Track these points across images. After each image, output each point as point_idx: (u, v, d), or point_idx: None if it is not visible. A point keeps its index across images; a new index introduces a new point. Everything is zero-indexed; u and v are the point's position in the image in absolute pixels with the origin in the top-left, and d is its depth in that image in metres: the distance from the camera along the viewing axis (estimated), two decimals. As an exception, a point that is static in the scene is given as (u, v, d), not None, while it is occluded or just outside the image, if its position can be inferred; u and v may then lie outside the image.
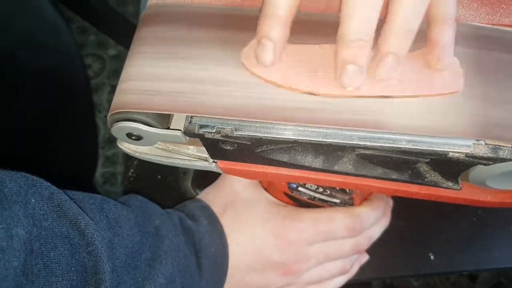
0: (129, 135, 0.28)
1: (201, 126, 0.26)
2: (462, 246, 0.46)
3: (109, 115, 0.27)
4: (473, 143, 0.24)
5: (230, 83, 0.26)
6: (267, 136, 0.25)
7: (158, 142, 0.31)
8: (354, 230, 0.37)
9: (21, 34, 0.49)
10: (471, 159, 0.24)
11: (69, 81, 0.59)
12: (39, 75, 0.52)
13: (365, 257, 0.42)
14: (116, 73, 1.19)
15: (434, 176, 0.28)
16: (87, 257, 0.25)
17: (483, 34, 0.27)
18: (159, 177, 0.50)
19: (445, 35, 0.24)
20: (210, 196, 0.38)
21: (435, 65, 0.25)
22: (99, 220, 0.28)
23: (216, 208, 0.37)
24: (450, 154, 0.24)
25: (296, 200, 0.39)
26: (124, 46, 1.00)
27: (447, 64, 0.25)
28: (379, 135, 0.25)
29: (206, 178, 0.41)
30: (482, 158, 0.24)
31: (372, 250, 0.40)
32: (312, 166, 0.29)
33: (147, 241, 0.30)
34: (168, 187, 0.50)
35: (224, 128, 0.25)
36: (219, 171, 0.32)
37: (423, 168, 0.28)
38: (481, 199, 0.30)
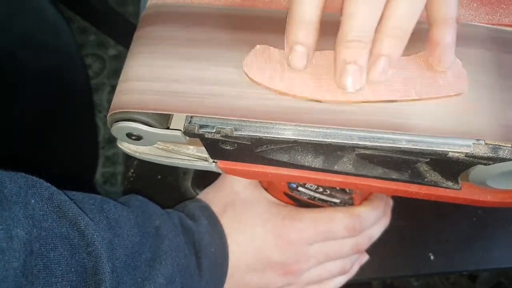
0: (129, 135, 0.28)
1: (201, 126, 0.26)
2: (462, 246, 0.46)
3: (109, 115, 0.27)
4: (473, 143, 0.24)
5: (230, 83, 0.26)
6: (267, 136, 0.25)
7: (158, 142, 0.31)
8: (354, 230, 0.37)
9: (21, 34, 0.49)
10: (471, 159, 0.24)
11: (69, 81, 0.59)
12: (39, 75, 0.52)
13: (365, 257, 0.42)
14: (116, 73, 1.19)
15: (434, 176, 0.28)
16: (87, 258, 0.25)
17: (483, 34, 0.27)
18: (159, 177, 0.50)
19: (446, 36, 0.24)
20: (210, 196, 0.38)
21: (436, 66, 0.25)
22: (99, 221, 0.28)
23: (216, 208, 0.37)
24: (450, 154, 0.24)
25: (296, 200, 0.39)
26: (124, 46, 1.00)
27: (448, 65, 0.25)
28: (379, 135, 0.25)
29: (206, 178, 0.41)
30: (482, 158, 0.24)
31: (372, 250, 0.40)
32: (312, 166, 0.29)
33: (147, 241, 0.30)
34: (168, 187, 0.50)
35: (224, 128, 0.25)
36: (219, 171, 0.32)
37: (423, 168, 0.28)
38: (481, 199, 0.30)
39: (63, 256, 0.24)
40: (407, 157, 0.25)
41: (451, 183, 0.28)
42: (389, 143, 0.24)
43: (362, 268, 0.42)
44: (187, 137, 0.27)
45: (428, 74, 0.25)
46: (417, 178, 0.28)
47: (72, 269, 0.25)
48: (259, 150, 0.27)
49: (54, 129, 0.57)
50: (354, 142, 0.25)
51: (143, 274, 0.29)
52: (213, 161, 0.31)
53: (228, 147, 0.27)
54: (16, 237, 0.22)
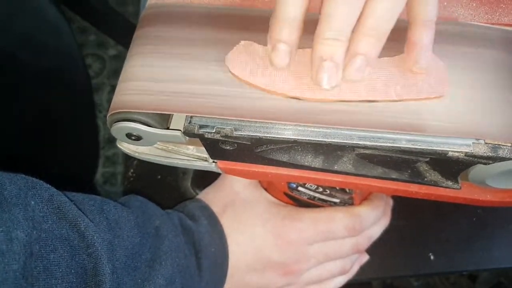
0: (129, 135, 0.28)
1: (201, 126, 0.26)
2: (462, 246, 0.46)
3: (108, 115, 0.27)
4: (473, 142, 0.24)
5: (230, 83, 0.26)
6: (267, 136, 0.25)
7: (158, 142, 0.31)
8: (354, 230, 0.37)
9: (21, 34, 0.49)
10: (471, 158, 0.24)
11: (70, 82, 0.59)
12: (40, 75, 0.52)
13: (365, 257, 0.42)
14: (116, 73, 1.19)
15: (434, 176, 0.28)
16: (87, 259, 0.25)
17: (482, 34, 0.27)
18: (159, 177, 0.50)
19: (423, 37, 0.24)
20: (210, 196, 0.38)
21: (412, 66, 0.25)
22: (99, 222, 0.28)
23: (216, 208, 0.37)
24: (450, 154, 0.24)
25: (296, 200, 0.39)
26: (124, 46, 1.00)
27: (424, 66, 0.25)
28: (379, 134, 0.25)
29: (206, 178, 0.41)
30: (481, 157, 0.24)
31: (372, 250, 0.40)
32: (312, 166, 0.29)
33: (147, 242, 0.30)
34: (168, 187, 0.50)
35: (224, 128, 0.25)
36: (219, 171, 0.32)
37: (423, 167, 0.28)
38: (481, 198, 0.30)
39: (63, 258, 0.24)
40: (407, 156, 0.25)
41: (451, 183, 0.28)
42: (389, 142, 0.24)
43: (362, 268, 0.42)
44: (187, 137, 0.27)
45: (410, 75, 0.25)
46: (417, 177, 0.28)
47: (72, 271, 0.24)
48: (259, 150, 0.27)
49: (54, 129, 0.57)
50: (354, 142, 0.25)
51: (143, 275, 0.29)
52: (213, 161, 0.31)
53: (228, 147, 0.27)
54: (16, 239, 0.22)
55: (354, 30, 0.24)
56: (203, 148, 0.29)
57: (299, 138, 0.25)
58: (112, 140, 1.09)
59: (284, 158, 0.29)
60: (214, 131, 0.25)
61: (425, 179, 0.28)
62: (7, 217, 0.23)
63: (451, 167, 0.26)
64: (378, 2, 0.23)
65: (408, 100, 0.25)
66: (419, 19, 0.24)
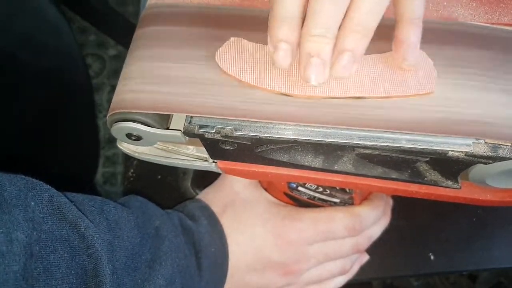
0: (129, 136, 0.28)
1: (201, 126, 0.26)
2: (462, 246, 0.45)
3: (108, 115, 0.27)
4: (473, 142, 0.24)
5: (229, 83, 0.26)
6: (267, 136, 0.25)
7: (158, 143, 0.31)
8: (354, 230, 0.37)
9: (21, 35, 0.49)
10: (471, 158, 0.24)
11: (70, 82, 0.59)
12: (40, 75, 0.52)
13: (365, 257, 0.42)
14: (116, 73, 1.19)
15: (434, 175, 0.28)
16: (87, 260, 0.25)
17: (482, 33, 0.27)
18: (159, 177, 0.50)
19: (411, 35, 0.25)
20: (210, 196, 0.38)
21: (400, 63, 0.25)
22: (99, 222, 0.28)
23: (216, 208, 0.37)
24: (450, 153, 0.24)
25: (296, 200, 0.39)
26: (124, 46, 1.00)
27: (412, 63, 0.25)
28: (379, 134, 0.25)
29: (206, 178, 0.41)
30: (481, 157, 0.24)
31: (372, 250, 0.40)
32: (312, 166, 0.29)
33: (147, 242, 0.30)
34: (168, 187, 0.50)
35: (224, 128, 0.25)
36: (219, 171, 0.32)
37: (423, 167, 0.28)
38: (481, 198, 0.30)
39: (63, 259, 0.24)
40: (407, 156, 0.25)
41: (451, 182, 0.28)
42: (389, 142, 0.24)
43: (362, 268, 0.42)
44: (187, 137, 0.27)
45: (399, 72, 0.25)
46: (417, 177, 0.28)
47: (73, 272, 0.24)
48: (259, 150, 0.27)
49: (54, 129, 0.57)
50: (354, 142, 0.25)
51: (143, 275, 0.29)
52: (213, 161, 0.31)
53: (228, 147, 0.27)
54: (16, 240, 0.22)
55: (341, 27, 0.24)
56: (203, 148, 0.29)
57: (299, 138, 0.25)
58: (112, 140, 1.09)
59: (284, 158, 0.29)
60: (214, 131, 0.25)
61: (425, 179, 0.28)
62: (7, 218, 0.23)
63: (451, 166, 0.26)
64: None
65: (396, 97, 0.25)
66: (406, 17, 0.25)
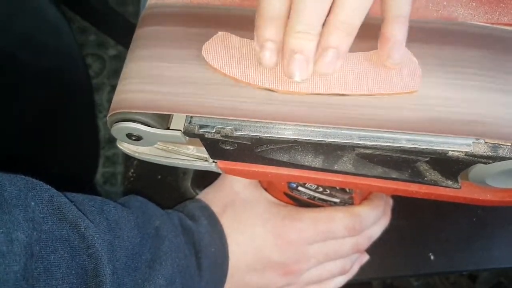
0: (129, 136, 0.28)
1: (201, 126, 0.26)
2: (462, 246, 0.45)
3: (108, 115, 0.27)
4: (473, 142, 0.24)
5: (229, 83, 0.26)
6: (267, 136, 0.25)
7: (158, 143, 0.31)
8: (354, 230, 0.37)
9: (21, 34, 0.49)
10: (471, 157, 0.24)
11: (70, 82, 0.59)
12: (40, 75, 0.52)
13: (365, 257, 0.42)
14: (116, 73, 1.19)
15: (433, 175, 0.28)
16: (88, 260, 0.25)
17: (482, 33, 0.27)
18: (159, 177, 0.50)
19: (396, 33, 0.25)
20: (210, 196, 0.38)
21: (386, 61, 0.25)
22: (99, 222, 0.28)
23: (216, 208, 0.37)
24: (450, 153, 0.24)
25: (296, 200, 0.39)
26: (124, 46, 1.00)
27: (397, 61, 0.25)
28: (379, 134, 0.25)
29: (206, 178, 0.41)
30: (481, 156, 0.24)
31: (372, 250, 0.40)
32: (312, 166, 0.29)
33: (147, 242, 0.30)
34: (168, 187, 0.50)
35: (224, 128, 0.25)
36: (219, 171, 0.32)
37: (423, 167, 0.28)
38: (480, 198, 0.30)
39: (64, 259, 0.24)
40: (407, 156, 0.26)
41: (451, 182, 0.28)
42: (389, 142, 0.24)
43: (362, 268, 0.42)
44: (187, 137, 0.27)
45: (383, 70, 0.26)
46: (417, 177, 0.28)
47: (73, 272, 0.24)
48: (259, 150, 0.27)
49: (54, 129, 0.57)
50: (354, 142, 0.25)
51: (143, 275, 0.29)
52: (213, 161, 0.31)
53: (228, 147, 0.27)
54: (17, 241, 0.22)
55: (325, 24, 0.24)
56: (203, 148, 0.29)
57: (299, 138, 0.25)
58: (112, 140, 1.09)
59: (284, 158, 0.29)
60: (214, 131, 0.25)
61: (425, 178, 0.28)
62: (8, 219, 0.23)
63: (451, 166, 0.26)
64: None
65: (380, 95, 0.25)
66: (392, 14, 0.25)
